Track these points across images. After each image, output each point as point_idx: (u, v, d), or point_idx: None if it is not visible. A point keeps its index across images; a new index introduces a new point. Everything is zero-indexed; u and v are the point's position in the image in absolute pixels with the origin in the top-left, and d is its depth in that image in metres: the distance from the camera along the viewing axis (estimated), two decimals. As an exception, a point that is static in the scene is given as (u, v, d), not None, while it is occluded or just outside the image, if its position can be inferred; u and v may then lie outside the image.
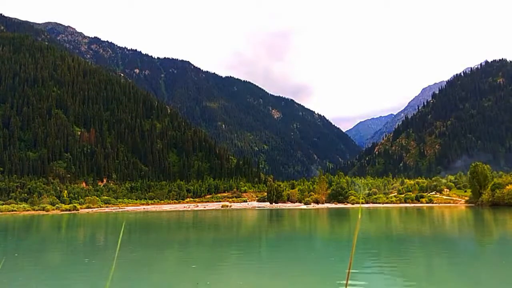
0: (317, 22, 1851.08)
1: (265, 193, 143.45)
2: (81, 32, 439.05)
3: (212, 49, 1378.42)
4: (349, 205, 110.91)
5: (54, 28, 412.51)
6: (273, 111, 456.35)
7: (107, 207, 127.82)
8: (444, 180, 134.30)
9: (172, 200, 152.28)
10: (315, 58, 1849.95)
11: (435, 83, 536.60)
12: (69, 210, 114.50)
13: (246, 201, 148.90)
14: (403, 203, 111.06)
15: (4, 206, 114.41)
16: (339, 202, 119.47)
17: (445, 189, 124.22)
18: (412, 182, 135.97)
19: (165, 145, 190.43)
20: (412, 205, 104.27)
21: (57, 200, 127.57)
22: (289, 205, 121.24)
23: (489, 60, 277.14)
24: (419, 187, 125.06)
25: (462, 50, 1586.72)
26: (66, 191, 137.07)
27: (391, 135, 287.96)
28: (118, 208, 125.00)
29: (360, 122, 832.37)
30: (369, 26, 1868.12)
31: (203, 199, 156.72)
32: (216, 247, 32.04)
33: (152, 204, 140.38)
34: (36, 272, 21.26)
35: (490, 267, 20.57)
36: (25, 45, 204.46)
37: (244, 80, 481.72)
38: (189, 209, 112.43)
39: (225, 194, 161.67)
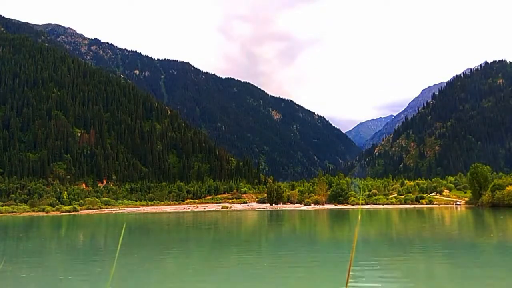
0: (317, 23, 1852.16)
1: (265, 194, 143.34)
2: (81, 34, 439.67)
3: (212, 50, 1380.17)
4: (349, 206, 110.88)
5: (54, 30, 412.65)
6: (273, 112, 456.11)
7: (107, 208, 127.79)
8: (444, 181, 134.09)
9: (172, 201, 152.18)
10: (314, 58, 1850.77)
11: (435, 84, 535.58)
12: (69, 212, 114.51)
13: (246, 202, 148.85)
14: (403, 204, 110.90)
15: (4, 207, 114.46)
16: (339, 203, 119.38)
17: (445, 190, 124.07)
18: (412, 183, 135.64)
19: (165, 146, 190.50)
20: (412, 206, 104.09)
21: (57, 201, 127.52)
22: (289, 206, 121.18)
23: (489, 61, 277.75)
24: (419, 188, 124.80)
25: (462, 51, 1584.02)
26: (66, 192, 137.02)
27: (391, 136, 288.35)
28: (118, 209, 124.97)
29: (360, 123, 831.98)
30: (368, 26, 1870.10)
31: (203, 200, 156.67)
32: (216, 249, 32.00)
33: (152, 205, 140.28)
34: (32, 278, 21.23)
35: (490, 267, 20.53)
36: (25, 47, 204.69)
37: (244, 81, 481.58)
38: (189, 210, 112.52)
39: (225, 195, 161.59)
